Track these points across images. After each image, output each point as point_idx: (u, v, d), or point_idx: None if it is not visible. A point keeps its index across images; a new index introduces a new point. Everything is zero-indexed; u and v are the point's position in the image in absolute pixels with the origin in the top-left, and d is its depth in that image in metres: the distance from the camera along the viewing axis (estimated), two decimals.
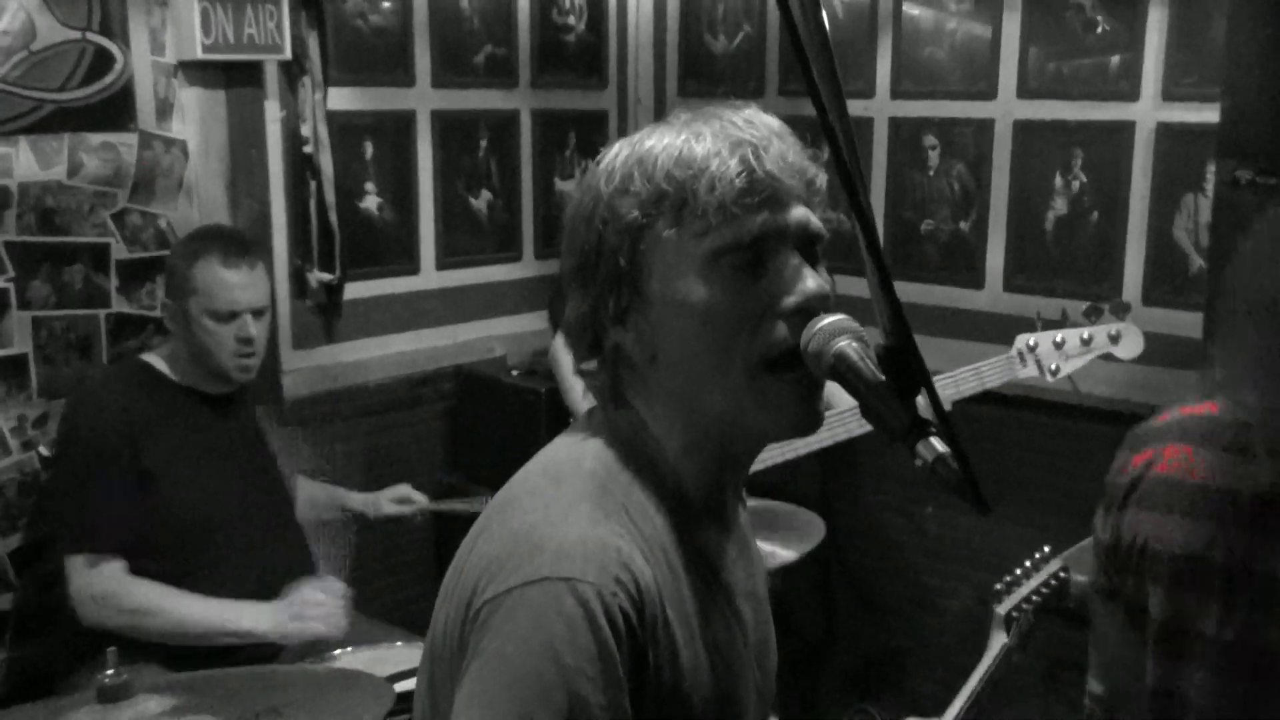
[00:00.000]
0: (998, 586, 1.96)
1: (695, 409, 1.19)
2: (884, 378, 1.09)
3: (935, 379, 2.78)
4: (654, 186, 1.16)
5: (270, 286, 2.68)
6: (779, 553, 2.44)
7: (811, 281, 1.15)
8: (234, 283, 2.57)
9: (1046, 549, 2.08)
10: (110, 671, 1.77)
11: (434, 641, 1.18)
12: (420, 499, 3.11)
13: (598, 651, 1.04)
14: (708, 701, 1.17)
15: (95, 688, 1.77)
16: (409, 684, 2.07)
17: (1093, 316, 2.84)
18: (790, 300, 1.15)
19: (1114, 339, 2.85)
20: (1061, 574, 2.03)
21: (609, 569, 1.07)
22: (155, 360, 2.69)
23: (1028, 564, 2.03)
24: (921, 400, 1.08)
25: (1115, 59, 3.26)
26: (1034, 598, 1.96)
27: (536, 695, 1.03)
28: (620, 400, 1.23)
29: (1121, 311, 2.89)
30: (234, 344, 2.59)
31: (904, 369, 1.06)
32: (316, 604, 2.53)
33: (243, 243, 2.67)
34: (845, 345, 1.12)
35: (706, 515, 1.24)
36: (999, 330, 3.29)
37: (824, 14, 1.03)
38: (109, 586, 2.49)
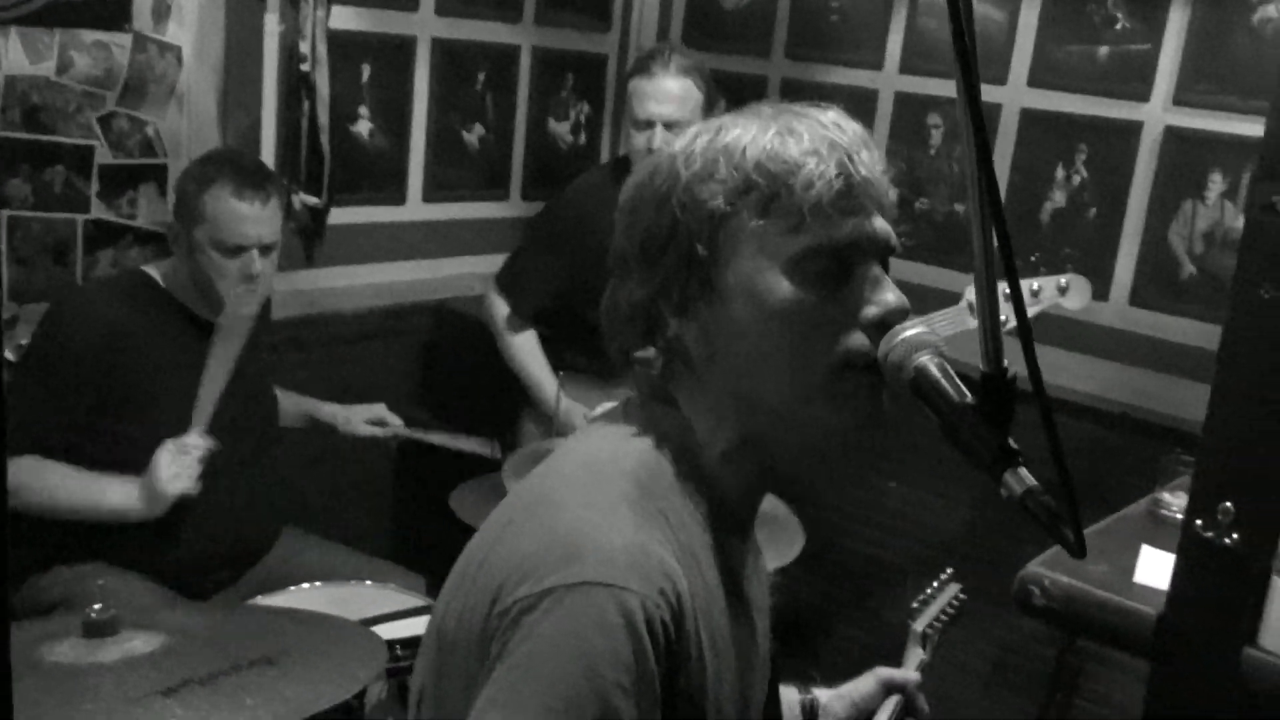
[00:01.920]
0: (914, 604, 2.01)
1: (753, 410, 1.16)
2: (971, 399, 1.07)
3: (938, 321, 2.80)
4: (742, 176, 1.12)
5: (282, 220, 2.58)
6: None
7: (893, 295, 1.14)
8: (245, 215, 2.45)
9: (949, 570, 2.13)
10: (98, 606, 1.73)
11: (445, 629, 1.13)
12: (396, 422, 3.02)
13: (635, 664, 1.00)
14: (730, 716, 1.16)
15: (80, 621, 1.73)
16: (385, 629, 2.09)
17: (1041, 269, 2.84)
18: (872, 311, 1.13)
19: (1062, 290, 2.84)
20: (961, 596, 2.09)
21: (653, 578, 1.03)
22: (156, 274, 2.59)
23: (935, 584, 2.08)
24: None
25: (1131, 58, 3.25)
26: (942, 616, 2.02)
27: (567, 704, 0.98)
28: (666, 396, 1.20)
29: (1067, 263, 2.89)
30: (238, 279, 2.48)
31: (1001, 398, 1.04)
32: (167, 468, 2.40)
33: (260, 173, 2.55)
34: (928, 360, 1.10)
35: (733, 523, 1.22)
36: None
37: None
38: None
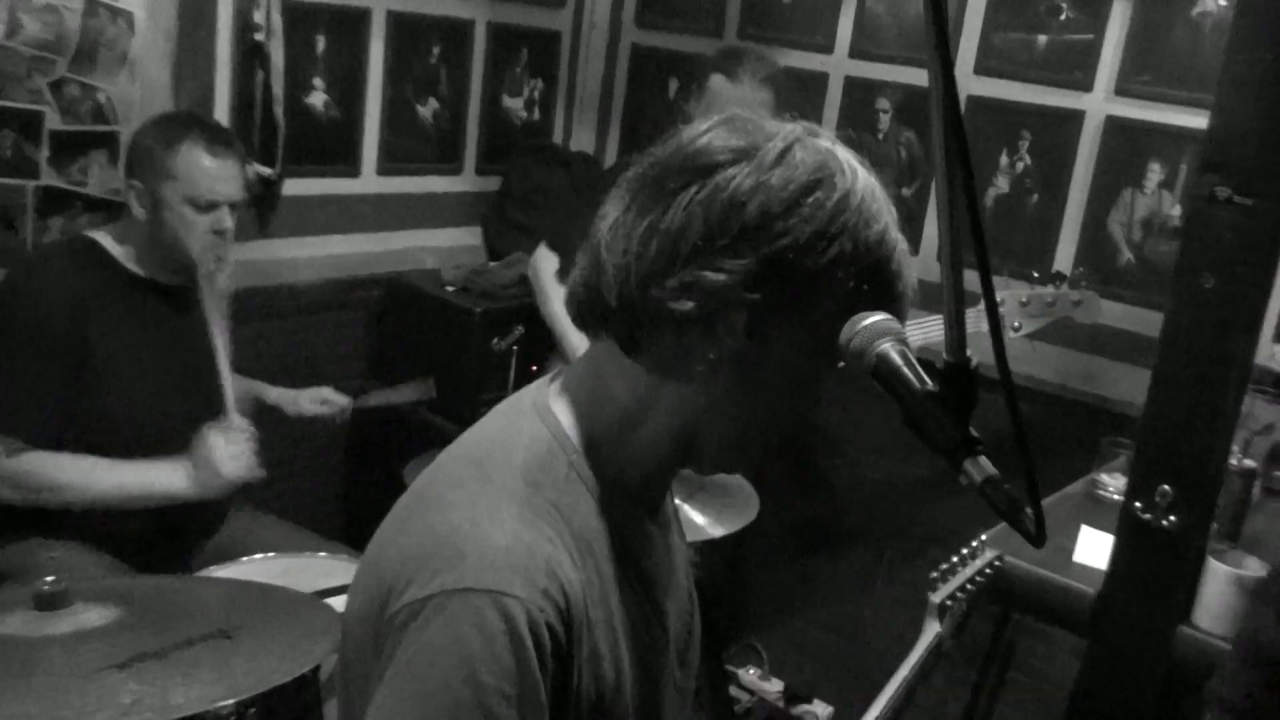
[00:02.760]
0: (933, 575, 1.95)
1: (726, 428, 1.14)
2: (933, 387, 1.06)
3: (908, 324, 2.81)
4: (873, 263, 1.09)
5: (245, 180, 2.54)
6: (709, 526, 2.36)
7: None
8: (217, 174, 2.42)
9: (983, 537, 2.06)
10: (50, 578, 1.69)
11: (348, 624, 1.11)
12: (341, 400, 2.99)
13: (517, 670, 0.98)
14: (628, 710, 1.14)
15: (31, 594, 1.69)
16: (339, 601, 2.05)
17: (1058, 282, 2.87)
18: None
19: (1076, 304, 2.89)
20: (996, 563, 2.03)
21: (537, 580, 1.01)
22: (106, 241, 2.50)
23: (964, 552, 2.00)
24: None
25: (1074, 48, 3.26)
26: (968, 586, 1.96)
27: (452, 710, 0.97)
28: (675, 373, 1.12)
29: (1084, 280, 2.92)
30: (209, 236, 2.43)
31: (963, 387, 1.03)
32: (223, 450, 2.41)
33: (226, 132, 2.52)
34: (889, 348, 1.09)
35: (638, 506, 1.20)
36: (929, 297, 3.30)
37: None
38: (15, 467, 2.34)
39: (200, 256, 2.45)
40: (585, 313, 1.14)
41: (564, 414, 1.15)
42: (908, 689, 1.77)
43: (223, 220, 2.46)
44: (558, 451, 1.12)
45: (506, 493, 1.07)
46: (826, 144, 1.10)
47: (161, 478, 2.41)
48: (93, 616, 1.66)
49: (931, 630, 1.86)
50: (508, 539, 1.02)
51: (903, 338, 1.11)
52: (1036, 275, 2.91)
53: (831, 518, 3.80)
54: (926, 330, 2.86)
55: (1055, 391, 3.31)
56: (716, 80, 3.07)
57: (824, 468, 3.78)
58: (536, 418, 1.15)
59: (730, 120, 1.11)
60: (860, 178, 1.09)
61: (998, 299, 2.79)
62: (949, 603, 1.90)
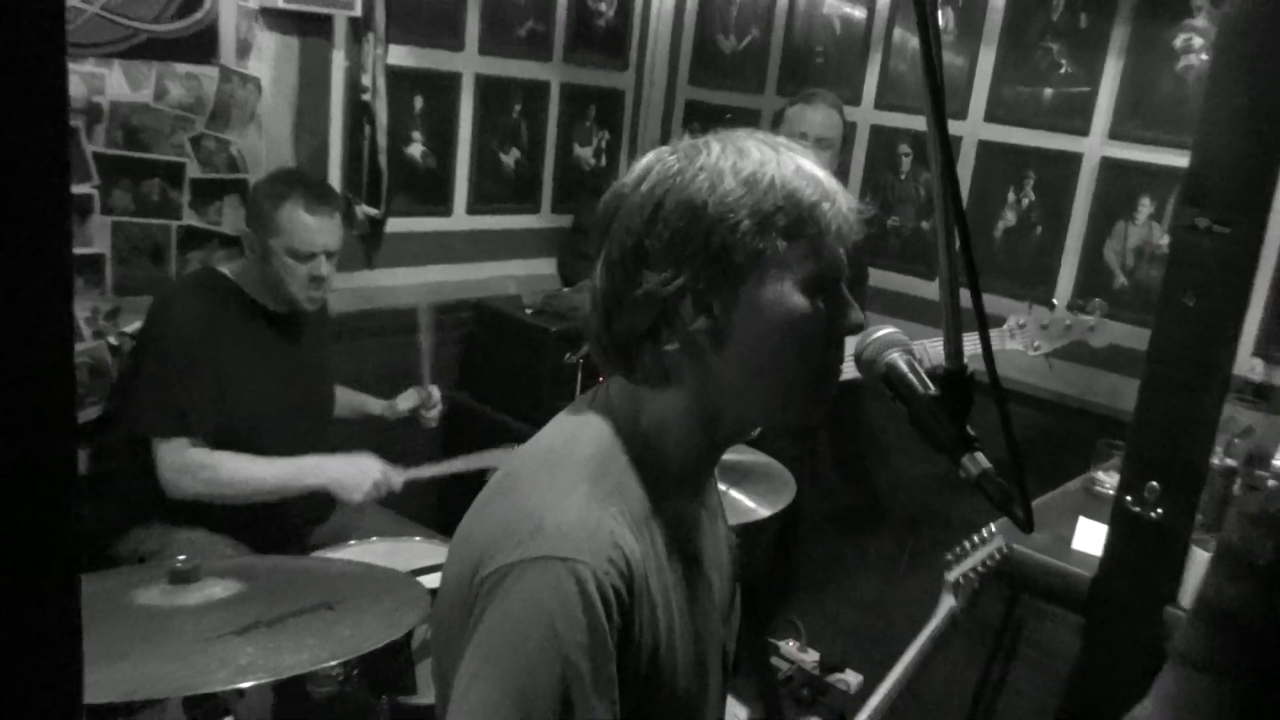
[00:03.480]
0: (948, 556, 1.94)
1: (739, 399, 1.12)
2: (935, 391, 1.04)
3: (928, 341, 2.77)
4: (772, 202, 1.07)
5: (344, 230, 2.56)
6: (754, 508, 2.33)
7: (856, 311, 1.14)
8: (315, 228, 2.45)
9: (993, 526, 2.04)
10: (183, 557, 1.71)
11: (442, 594, 1.13)
12: (428, 389, 2.99)
13: (588, 624, 0.99)
14: (682, 665, 1.13)
15: (167, 570, 1.71)
16: (431, 579, 2.06)
17: (1076, 309, 2.81)
18: (849, 324, 1.13)
19: (1091, 329, 2.83)
20: (1005, 548, 2.00)
21: (603, 550, 1.02)
22: (229, 273, 2.57)
23: (975, 538, 2.00)
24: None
25: (1073, 98, 3.20)
26: (980, 568, 1.93)
27: (535, 658, 0.98)
28: (664, 377, 1.12)
29: (1100, 309, 2.87)
30: (307, 280, 2.48)
31: (960, 391, 1.01)
32: (372, 481, 2.48)
33: (324, 190, 2.55)
34: (897, 357, 1.09)
35: (684, 489, 1.19)
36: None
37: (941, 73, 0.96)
38: (200, 460, 2.39)
39: (298, 296, 2.50)
40: (598, 356, 1.17)
41: (613, 421, 1.16)
42: (924, 656, 1.75)
43: (319, 268, 2.49)
44: (617, 447, 1.13)
45: (576, 478, 1.08)
46: (708, 141, 1.11)
47: (328, 471, 2.47)
48: (218, 590, 1.68)
49: (946, 604, 1.85)
50: (578, 514, 1.04)
51: (909, 348, 1.11)
52: (1051, 303, 2.85)
53: (865, 508, 3.76)
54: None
55: (1059, 400, 3.24)
56: (794, 109, 3.09)
57: (863, 462, 3.74)
58: (598, 419, 1.15)
59: (657, 150, 1.14)
60: (714, 152, 1.09)
61: (1021, 322, 2.76)
62: (962, 581, 1.89)
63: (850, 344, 1.14)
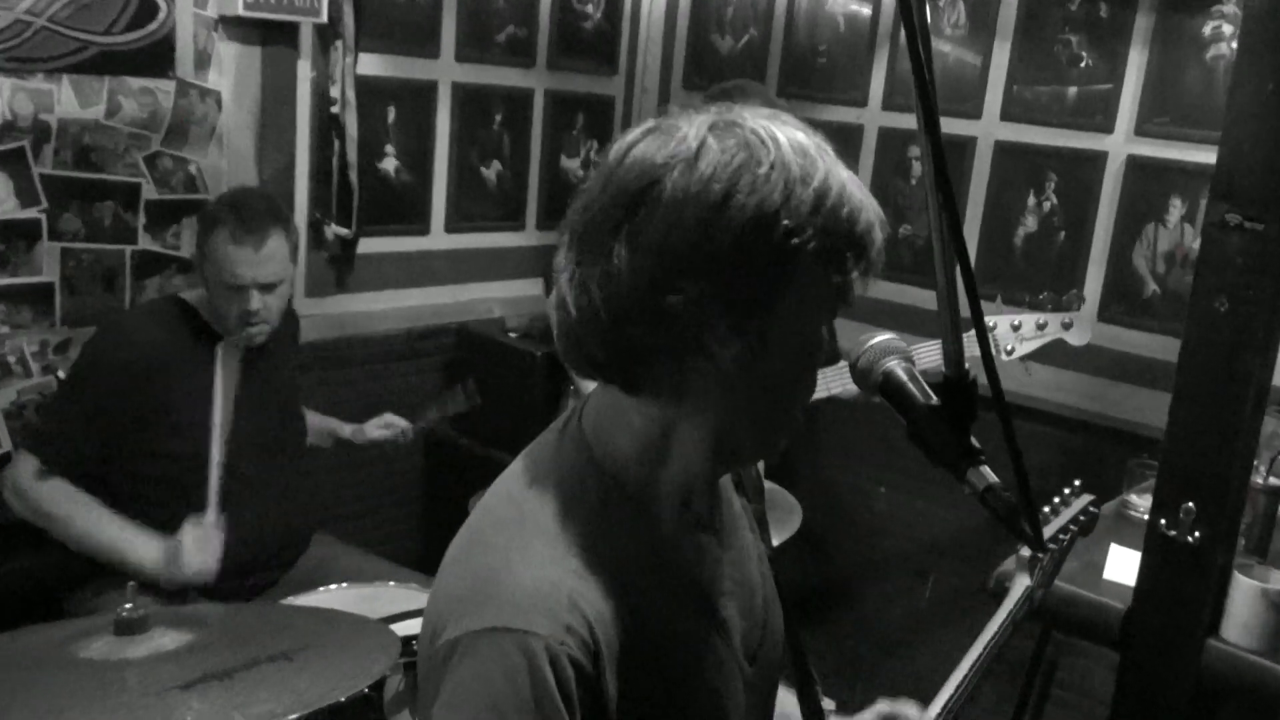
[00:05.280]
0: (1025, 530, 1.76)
1: (758, 426, 1.10)
2: (936, 401, 1.02)
3: (921, 346, 2.73)
4: (841, 223, 1.00)
5: (287, 257, 2.50)
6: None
7: (834, 342, 1.12)
8: (238, 259, 2.40)
9: (1077, 483, 1.84)
10: (129, 605, 1.68)
11: (419, 654, 1.11)
12: (401, 422, 2.96)
13: (536, 704, 0.96)
14: (698, 711, 1.11)
15: (113, 620, 1.68)
16: (406, 626, 2.03)
17: (1048, 304, 2.77)
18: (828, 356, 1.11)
19: (1066, 326, 2.78)
20: (1091, 508, 1.82)
21: (559, 616, 0.99)
22: (191, 298, 2.57)
23: (1056, 501, 1.79)
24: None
25: (1095, 94, 3.19)
26: (1061, 536, 1.75)
27: None
28: (681, 397, 1.06)
29: (1076, 302, 2.83)
30: (238, 313, 2.45)
31: (962, 399, 0.99)
32: (192, 545, 2.35)
33: (258, 218, 2.43)
34: (894, 365, 1.07)
35: (681, 520, 1.13)
36: (964, 331, 3.23)
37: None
38: (25, 483, 2.40)
39: (233, 329, 2.48)
40: (579, 365, 1.08)
41: (595, 444, 1.11)
42: (998, 641, 1.64)
43: (247, 302, 2.43)
44: (591, 482, 1.09)
45: (538, 530, 1.05)
46: (741, 119, 1.01)
47: (135, 550, 2.37)
48: (167, 641, 1.65)
49: (1022, 584, 1.73)
50: (533, 578, 1.01)
51: (908, 355, 1.08)
52: (1027, 300, 2.81)
53: (875, 542, 3.72)
54: (920, 357, 2.79)
55: (1089, 419, 3.21)
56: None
57: (867, 493, 3.70)
58: (574, 448, 1.12)
59: (648, 131, 1.02)
60: (783, 145, 0.99)
61: (990, 324, 2.72)
62: (1040, 555, 1.76)
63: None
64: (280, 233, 2.47)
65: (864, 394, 1.10)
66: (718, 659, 1.16)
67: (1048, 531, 1.70)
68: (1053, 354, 3.24)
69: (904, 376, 1.06)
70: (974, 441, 0.99)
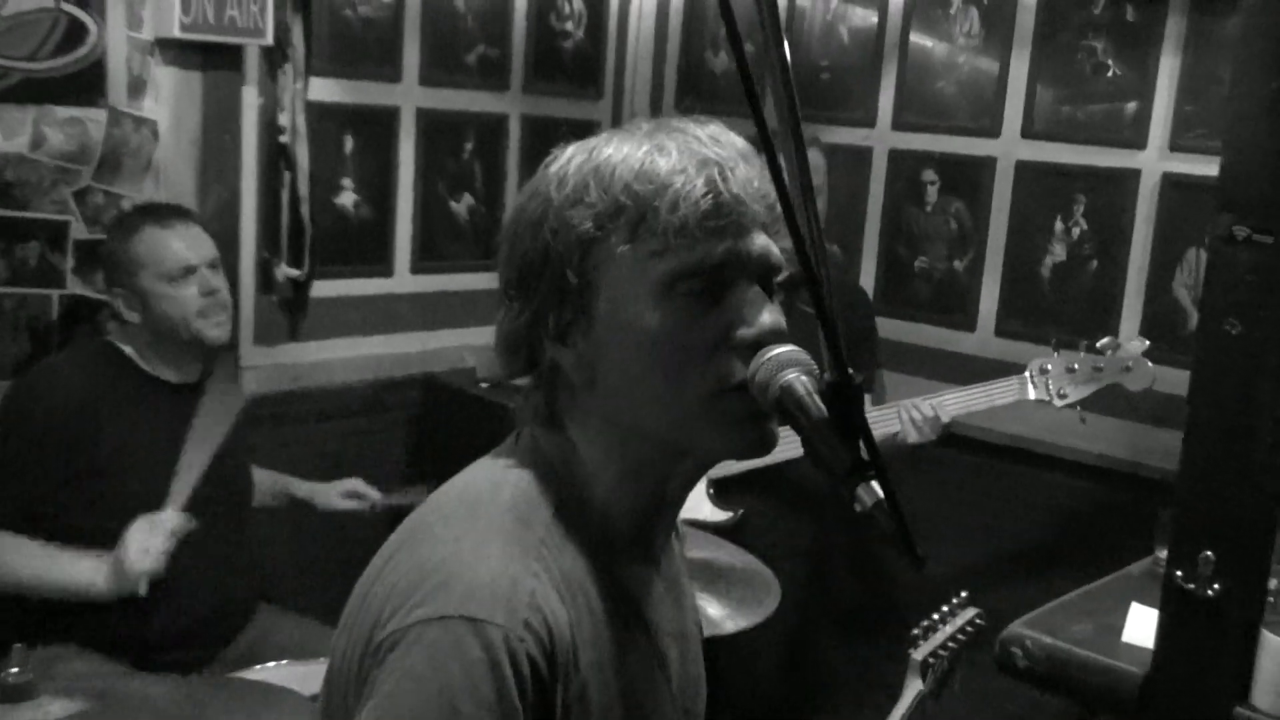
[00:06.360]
0: (914, 632, 1.94)
1: (636, 436, 1.15)
2: (828, 414, 1.05)
3: (947, 394, 2.81)
4: (611, 199, 1.10)
5: (211, 239, 2.69)
6: (726, 621, 2.30)
7: (769, 315, 1.12)
8: (176, 241, 2.57)
9: (963, 594, 2.07)
10: (15, 669, 1.73)
11: (332, 668, 1.13)
12: (372, 494, 3.02)
13: (496, 700, 0.99)
14: None
15: None
16: None
17: (1107, 350, 2.81)
18: (747, 333, 1.11)
19: (1126, 370, 2.83)
20: (978, 620, 2.02)
21: (518, 611, 1.02)
22: (121, 343, 2.65)
23: (945, 609, 2.01)
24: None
25: (1124, 106, 3.24)
26: (950, 644, 1.94)
27: None
28: (554, 422, 1.18)
29: (1140, 346, 2.87)
30: (199, 301, 2.56)
31: (848, 407, 1.03)
32: (136, 543, 2.39)
33: (171, 209, 2.68)
34: (794, 378, 1.08)
35: (633, 549, 1.20)
36: (987, 375, 3.25)
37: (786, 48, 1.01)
38: None
39: (198, 326, 2.58)
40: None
41: (535, 470, 1.17)
42: None
43: (206, 281, 2.59)
44: (545, 494, 1.15)
45: (494, 528, 1.10)
46: (636, 123, 1.18)
47: (80, 571, 2.43)
48: (55, 710, 1.69)
49: (913, 688, 1.85)
50: (492, 571, 1.05)
51: (811, 369, 1.10)
52: (1086, 344, 2.85)
53: (857, 612, 3.70)
54: (969, 402, 2.83)
55: (1126, 469, 3.21)
56: None
57: (842, 565, 3.69)
58: (519, 468, 1.17)
59: None
60: (588, 144, 1.16)
61: (1045, 367, 2.77)
62: (930, 660, 1.89)
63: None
64: (193, 216, 2.70)
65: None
66: (660, 698, 1.21)
67: (927, 647, 1.85)
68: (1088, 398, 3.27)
69: (803, 391, 1.06)
70: (864, 454, 1.02)
